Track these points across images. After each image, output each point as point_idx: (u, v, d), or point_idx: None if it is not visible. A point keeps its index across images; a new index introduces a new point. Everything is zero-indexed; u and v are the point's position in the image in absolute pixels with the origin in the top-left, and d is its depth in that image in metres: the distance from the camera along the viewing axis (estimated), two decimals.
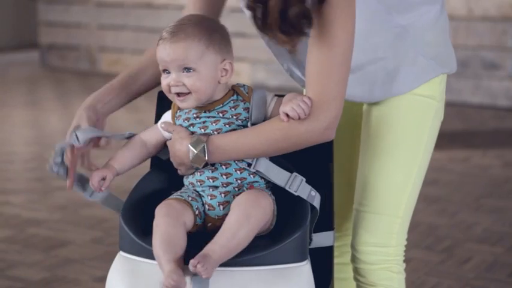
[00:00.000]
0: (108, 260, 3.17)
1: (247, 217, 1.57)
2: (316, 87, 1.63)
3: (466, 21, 6.40)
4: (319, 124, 1.64)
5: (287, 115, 1.63)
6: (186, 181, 1.74)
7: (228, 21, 8.01)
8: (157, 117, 1.89)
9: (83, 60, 8.39)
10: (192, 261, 1.49)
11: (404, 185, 1.87)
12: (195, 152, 1.65)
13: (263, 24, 1.59)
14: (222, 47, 1.69)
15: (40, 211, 3.81)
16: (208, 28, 1.68)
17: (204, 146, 1.65)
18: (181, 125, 1.73)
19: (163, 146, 1.80)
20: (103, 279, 2.98)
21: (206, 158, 1.65)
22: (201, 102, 1.69)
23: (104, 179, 1.75)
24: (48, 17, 8.55)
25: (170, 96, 1.71)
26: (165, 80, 1.69)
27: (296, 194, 1.67)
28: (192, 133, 1.70)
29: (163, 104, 1.91)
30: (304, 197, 1.68)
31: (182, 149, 1.68)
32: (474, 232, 3.55)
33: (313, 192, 1.69)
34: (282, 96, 1.75)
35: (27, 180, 4.36)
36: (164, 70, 1.69)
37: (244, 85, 1.76)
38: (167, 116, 1.79)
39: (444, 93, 1.90)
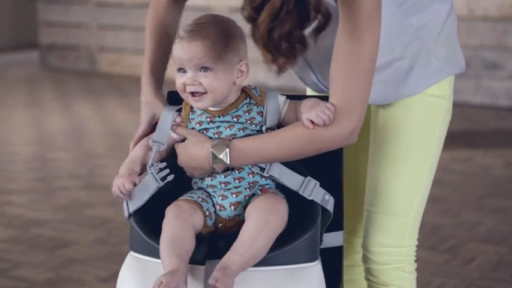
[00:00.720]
0: (112, 260, 3.18)
1: (266, 224, 1.57)
2: (341, 94, 1.63)
3: (466, 21, 6.40)
4: (343, 129, 1.64)
5: (312, 122, 1.63)
6: (195, 186, 1.73)
7: None
8: None
9: (83, 61, 8.38)
10: (212, 277, 1.48)
11: (417, 185, 1.87)
12: (218, 156, 1.64)
13: (254, 38, 1.60)
14: (239, 47, 1.68)
15: (43, 211, 3.81)
16: (227, 28, 1.67)
17: (227, 151, 1.64)
18: (194, 129, 1.72)
19: (171, 144, 1.78)
20: (108, 280, 2.98)
21: (228, 163, 1.64)
22: (216, 102, 1.68)
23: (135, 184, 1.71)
24: (48, 17, 8.54)
25: (184, 96, 1.69)
26: (181, 79, 1.67)
27: (310, 198, 1.67)
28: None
29: (174, 104, 1.91)
30: (318, 201, 1.67)
31: (202, 153, 1.66)
32: (478, 232, 3.55)
33: (327, 196, 1.69)
34: (293, 98, 1.75)
35: (30, 180, 4.35)
36: (180, 69, 1.67)
37: (255, 87, 1.75)
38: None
39: (452, 93, 1.90)
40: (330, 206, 1.69)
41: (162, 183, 1.67)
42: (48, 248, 3.31)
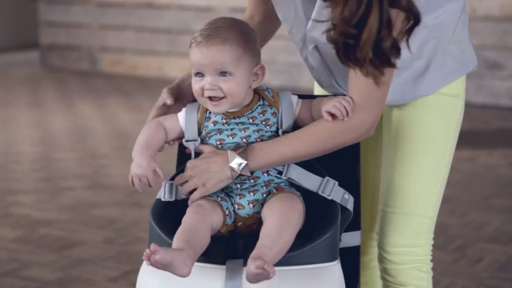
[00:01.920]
0: (120, 260, 3.18)
1: (287, 220, 1.58)
2: (362, 90, 1.64)
3: (469, 20, 6.40)
4: (363, 124, 1.66)
5: (331, 114, 1.63)
6: None
7: None
8: None
9: (84, 61, 8.37)
10: (257, 264, 1.46)
11: (433, 185, 1.88)
12: (240, 159, 1.63)
13: (349, 57, 1.58)
14: (255, 51, 1.69)
15: (50, 211, 3.81)
16: (244, 32, 1.67)
17: (246, 152, 1.63)
18: (207, 127, 1.71)
19: (178, 135, 1.77)
20: (117, 280, 2.99)
21: (248, 164, 1.63)
22: (234, 106, 1.68)
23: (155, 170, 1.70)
24: (49, 17, 8.53)
25: (202, 100, 1.69)
26: (199, 83, 1.67)
27: (329, 198, 1.67)
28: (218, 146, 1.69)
29: None
30: (338, 200, 1.68)
31: (223, 159, 1.64)
32: (485, 232, 3.56)
33: (347, 195, 1.70)
34: (304, 98, 1.76)
35: (35, 180, 4.35)
36: (198, 73, 1.67)
37: (267, 88, 1.75)
38: (193, 113, 1.75)
39: (465, 91, 1.90)
40: (350, 205, 1.70)
41: None
42: (56, 248, 3.31)
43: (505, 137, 5.46)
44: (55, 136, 5.43)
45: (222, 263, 1.60)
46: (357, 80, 1.64)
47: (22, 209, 3.84)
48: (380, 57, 1.56)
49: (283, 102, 1.72)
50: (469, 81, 7.19)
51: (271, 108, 1.71)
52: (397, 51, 1.58)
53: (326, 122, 1.64)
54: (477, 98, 6.50)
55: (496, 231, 3.55)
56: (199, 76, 1.67)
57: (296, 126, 1.72)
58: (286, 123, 1.71)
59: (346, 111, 1.63)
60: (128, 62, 8.08)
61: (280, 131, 1.70)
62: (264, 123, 1.69)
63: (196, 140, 1.71)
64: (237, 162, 1.63)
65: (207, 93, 1.66)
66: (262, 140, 1.68)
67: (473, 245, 3.39)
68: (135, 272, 3.03)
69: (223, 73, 1.64)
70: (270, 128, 1.70)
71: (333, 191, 1.68)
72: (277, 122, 1.71)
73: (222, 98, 1.66)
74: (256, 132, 1.68)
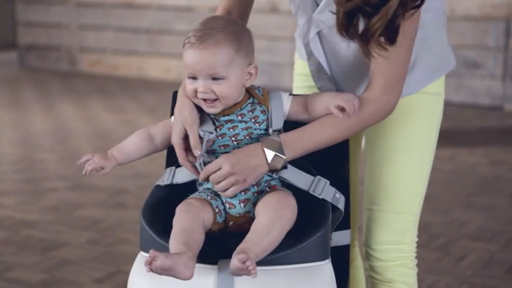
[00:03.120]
0: (105, 261, 3.17)
1: (279, 217, 1.58)
2: (387, 71, 1.68)
3: (448, 20, 6.44)
4: (389, 104, 1.70)
5: (342, 109, 1.66)
6: (200, 188, 1.74)
7: None
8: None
9: (63, 61, 8.33)
10: (239, 257, 1.45)
11: (418, 182, 1.90)
12: (274, 152, 1.64)
13: (358, 28, 1.60)
14: (248, 51, 1.69)
15: (33, 213, 3.79)
16: (237, 32, 1.67)
17: (281, 146, 1.64)
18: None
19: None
20: (103, 281, 2.98)
21: (285, 157, 1.64)
22: (228, 106, 1.69)
23: (102, 168, 1.72)
24: (28, 17, 8.48)
25: (195, 101, 1.69)
26: (192, 85, 1.67)
27: (321, 197, 1.68)
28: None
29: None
30: (329, 199, 1.69)
31: (257, 153, 1.64)
32: (467, 230, 3.59)
33: (338, 195, 1.71)
34: (297, 95, 1.77)
35: (17, 181, 4.32)
36: (191, 76, 1.67)
37: (258, 87, 1.76)
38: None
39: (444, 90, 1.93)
40: (341, 205, 1.71)
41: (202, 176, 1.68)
42: (40, 250, 3.30)
43: (485, 135, 5.50)
44: (36, 137, 5.40)
45: (214, 262, 1.60)
46: (379, 64, 1.67)
47: (4, 210, 3.82)
48: (388, 34, 1.59)
49: (273, 101, 1.72)
50: (449, 81, 7.27)
51: (260, 106, 1.72)
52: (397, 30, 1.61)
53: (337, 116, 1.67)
54: (456, 97, 6.55)
55: (479, 229, 3.59)
56: (192, 78, 1.67)
57: (290, 121, 1.74)
58: (276, 121, 1.71)
59: (355, 106, 1.66)
60: (108, 62, 8.05)
61: (270, 130, 1.70)
62: (253, 120, 1.70)
63: (212, 133, 1.69)
64: (276, 158, 1.64)
65: (200, 96, 1.66)
66: (251, 138, 1.69)
67: (456, 243, 3.41)
68: (121, 272, 3.05)
69: (215, 78, 1.65)
70: (260, 125, 1.70)
71: (324, 190, 1.69)
72: (267, 120, 1.71)
73: (216, 99, 1.66)
74: (244, 130, 1.69)
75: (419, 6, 1.62)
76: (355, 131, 1.71)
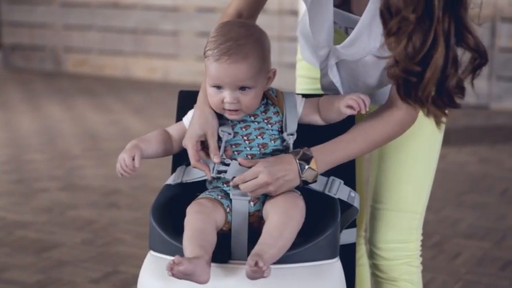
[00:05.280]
0: (101, 261, 3.16)
1: (290, 218, 1.58)
2: None
3: None
4: (412, 118, 1.69)
5: (351, 107, 1.66)
6: (209, 186, 1.74)
7: (197, 21, 7.97)
8: (179, 116, 1.89)
9: (48, 61, 8.29)
10: (250, 262, 1.45)
11: (424, 181, 1.91)
12: (308, 166, 1.63)
13: (410, 94, 1.57)
14: (269, 56, 1.70)
15: (25, 213, 3.77)
16: (260, 40, 1.67)
17: (313, 160, 1.63)
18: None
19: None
20: (99, 281, 2.97)
21: (317, 170, 1.63)
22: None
23: (133, 158, 1.69)
24: (12, 17, 8.43)
25: (218, 110, 1.70)
26: (217, 96, 1.66)
27: (336, 196, 1.69)
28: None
29: (185, 102, 1.91)
30: (345, 198, 1.70)
31: (291, 167, 1.62)
32: (460, 228, 3.61)
33: (353, 193, 1.72)
34: (308, 97, 1.78)
35: (7, 182, 4.30)
36: (216, 86, 1.67)
37: (271, 88, 1.77)
38: (191, 113, 1.78)
39: None
40: (357, 203, 1.72)
41: (214, 175, 1.67)
42: (35, 250, 3.28)
43: (473, 134, 5.54)
44: (24, 138, 5.37)
45: (224, 261, 1.61)
46: None
47: None
48: (443, 97, 1.55)
49: (287, 102, 1.73)
50: None
51: (274, 107, 1.73)
52: (461, 90, 1.58)
53: (382, 123, 1.67)
54: None
55: (471, 227, 3.61)
56: (217, 88, 1.67)
57: (300, 124, 1.74)
58: (291, 123, 1.72)
59: (365, 105, 1.65)
60: (94, 62, 8.02)
61: (284, 134, 1.71)
62: (265, 121, 1.71)
63: (230, 134, 1.69)
64: (308, 172, 1.63)
65: (227, 106, 1.66)
66: (262, 138, 1.70)
67: (450, 240, 3.44)
68: (117, 273, 3.04)
69: (242, 88, 1.65)
70: (272, 126, 1.71)
71: (339, 190, 1.69)
72: (280, 121, 1.72)
73: (239, 109, 1.67)
74: (257, 130, 1.70)
75: (479, 66, 1.58)
76: (381, 145, 1.72)
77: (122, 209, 3.84)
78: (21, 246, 3.34)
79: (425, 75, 1.51)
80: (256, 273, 1.47)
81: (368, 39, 1.67)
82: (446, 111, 1.61)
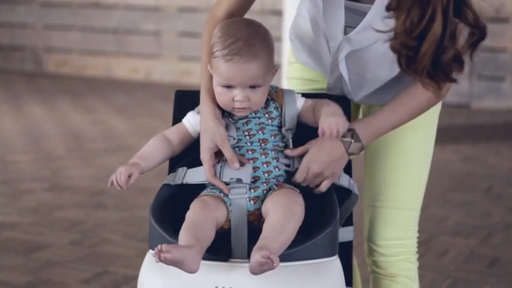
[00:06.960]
0: (90, 262, 3.15)
1: (291, 213, 1.60)
2: None
3: None
4: (441, 94, 1.70)
5: (323, 131, 1.68)
6: (209, 185, 1.74)
7: (179, 21, 7.96)
8: (175, 116, 1.89)
9: (29, 61, 8.24)
10: (263, 254, 1.46)
11: (421, 179, 1.94)
12: (351, 140, 1.70)
13: (410, 66, 1.59)
14: (274, 54, 1.72)
15: (12, 214, 3.75)
16: (267, 39, 1.70)
17: (356, 133, 1.70)
18: None
19: (188, 143, 1.79)
20: (89, 281, 2.97)
21: (363, 142, 1.71)
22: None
23: (130, 176, 1.70)
24: None
25: (228, 109, 1.72)
26: (227, 95, 1.68)
27: (338, 184, 1.73)
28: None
29: (181, 102, 1.92)
30: (346, 185, 1.74)
31: (339, 149, 1.69)
32: (447, 225, 3.65)
33: (352, 181, 1.75)
34: (307, 96, 1.80)
35: None
36: (226, 85, 1.68)
37: (271, 85, 1.79)
38: (192, 114, 1.79)
39: None
40: (357, 190, 1.77)
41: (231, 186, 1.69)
42: (23, 251, 3.27)
43: (455, 133, 5.59)
44: (7, 138, 5.34)
45: (225, 259, 1.62)
46: None
47: None
48: (438, 70, 1.57)
49: (286, 98, 1.76)
50: None
51: (273, 103, 1.76)
52: (460, 64, 1.59)
53: (420, 93, 1.70)
54: None
55: (457, 225, 3.65)
56: (227, 87, 1.68)
57: (298, 122, 1.77)
58: (289, 118, 1.74)
59: (337, 132, 1.67)
60: (75, 62, 7.99)
61: (283, 129, 1.74)
62: (266, 115, 1.74)
63: (235, 138, 1.72)
64: (354, 146, 1.71)
65: (237, 105, 1.69)
66: (263, 133, 1.72)
67: (437, 238, 3.47)
68: (107, 273, 3.04)
69: (252, 86, 1.67)
70: (272, 121, 1.74)
71: (341, 177, 1.73)
72: (280, 116, 1.75)
73: (248, 106, 1.70)
74: (257, 125, 1.72)
75: (478, 41, 1.59)
76: (418, 115, 1.78)
77: (109, 209, 3.83)
78: (9, 247, 3.32)
79: (421, 49, 1.55)
80: (265, 266, 1.47)
81: (382, 23, 1.69)
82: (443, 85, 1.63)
